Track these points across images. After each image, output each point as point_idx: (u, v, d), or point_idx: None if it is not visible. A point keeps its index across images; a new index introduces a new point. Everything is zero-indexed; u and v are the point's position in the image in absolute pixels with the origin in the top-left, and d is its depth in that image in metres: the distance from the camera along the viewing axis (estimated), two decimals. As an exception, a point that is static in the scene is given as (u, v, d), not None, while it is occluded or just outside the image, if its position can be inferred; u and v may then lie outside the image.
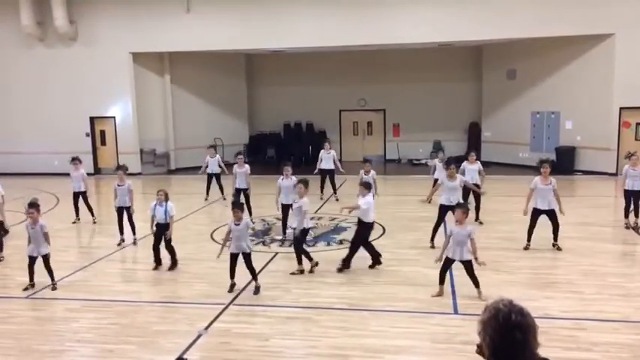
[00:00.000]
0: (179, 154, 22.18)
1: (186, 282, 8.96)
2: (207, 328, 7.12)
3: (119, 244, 11.20)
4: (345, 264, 9.23)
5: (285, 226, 11.49)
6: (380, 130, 24.26)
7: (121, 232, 11.35)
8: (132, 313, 7.72)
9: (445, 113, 23.04)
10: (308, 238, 11.36)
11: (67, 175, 13.33)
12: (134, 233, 11.34)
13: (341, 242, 11.21)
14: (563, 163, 18.87)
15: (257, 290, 8.32)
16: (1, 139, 21.47)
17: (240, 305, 7.90)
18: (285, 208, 11.30)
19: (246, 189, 13.22)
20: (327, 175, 15.24)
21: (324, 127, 24.06)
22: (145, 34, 19.99)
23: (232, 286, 8.37)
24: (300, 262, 9.21)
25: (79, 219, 13.30)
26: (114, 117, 21.10)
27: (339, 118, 24.33)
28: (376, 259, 9.36)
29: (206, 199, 15.44)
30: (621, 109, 18.01)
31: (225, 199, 15.34)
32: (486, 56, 22.10)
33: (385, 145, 24.20)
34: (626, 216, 11.66)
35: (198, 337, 6.87)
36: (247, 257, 8.31)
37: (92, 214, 13.35)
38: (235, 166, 13.65)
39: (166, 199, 9.64)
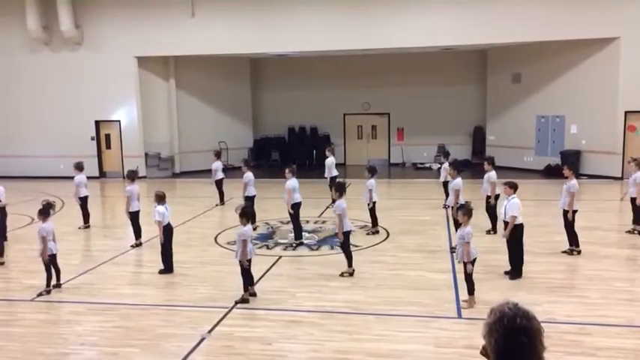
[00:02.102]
0: (184, 157, 22.23)
1: (190, 285, 8.97)
2: (210, 331, 7.12)
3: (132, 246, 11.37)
4: (516, 273, 8.91)
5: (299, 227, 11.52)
6: (384, 134, 24.26)
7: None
8: (136, 317, 7.73)
9: (449, 117, 23.02)
10: (311, 242, 11.43)
11: (72, 178, 13.36)
12: (135, 237, 11.43)
13: (345, 246, 11.18)
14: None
15: (238, 300, 8.08)
16: (7, 143, 21.58)
17: (244, 309, 7.90)
18: (293, 209, 11.37)
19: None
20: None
21: (328, 131, 24.08)
22: (150, 39, 20.08)
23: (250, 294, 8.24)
24: (350, 263, 9.23)
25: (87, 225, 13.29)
26: (119, 121, 21.18)
27: (344, 121, 24.34)
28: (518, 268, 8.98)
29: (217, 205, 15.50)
30: (626, 112, 17.95)
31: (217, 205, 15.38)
32: (491, 60, 22.09)
33: (389, 149, 24.20)
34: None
35: (202, 340, 6.87)
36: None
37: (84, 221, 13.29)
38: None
39: (158, 201, 9.52)
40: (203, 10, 19.78)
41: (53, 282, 8.77)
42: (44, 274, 8.69)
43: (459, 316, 7.49)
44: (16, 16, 20.46)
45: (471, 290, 7.74)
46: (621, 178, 17.87)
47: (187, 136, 22.20)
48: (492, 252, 9.96)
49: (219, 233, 12.30)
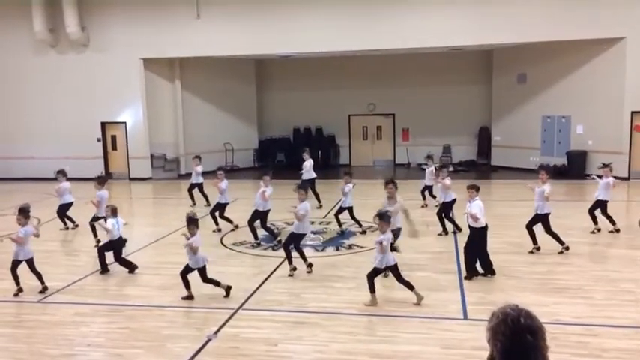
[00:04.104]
0: (189, 159, 22.21)
1: (195, 286, 8.96)
2: (216, 332, 7.13)
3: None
4: (470, 272, 8.92)
5: (254, 232, 11.56)
6: (389, 135, 24.24)
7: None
8: (141, 318, 7.75)
9: (455, 118, 22.98)
10: (316, 243, 11.42)
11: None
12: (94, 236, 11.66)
13: (350, 247, 11.19)
14: (574, 167, 18.76)
15: (184, 297, 8.36)
16: (13, 145, 21.69)
17: (249, 310, 7.91)
18: (258, 214, 11.47)
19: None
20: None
21: (333, 132, 24.09)
22: (156, 40, 20.14)
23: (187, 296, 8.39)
24: (290, 261, 9.43)
25: (67, 227, 13.36)
26: (125, 122, 21.25)
27: (349, 122, 24.34)
28: (475, 271, 8.96)
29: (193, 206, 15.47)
30: (633, 112, 17.88)
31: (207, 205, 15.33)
32: (496, 60, 22.03)
33: (395, 150, 24.18)
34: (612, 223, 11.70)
35: (207, 341, 6.88)
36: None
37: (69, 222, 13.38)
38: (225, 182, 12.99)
39: (111, 214, 9.71)
40: (208, 12, 19.83)
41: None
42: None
43: (465, 317, 7.48)
44: (23, 19, 20.57)
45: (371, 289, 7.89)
46: (627, 179, 17.80)
47: (193, 137, 22.24)
48: (493, 253, 9.91)
49: (225, 234, 12.31)
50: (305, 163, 15.36)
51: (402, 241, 9.56)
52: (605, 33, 17.62)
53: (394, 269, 7.86)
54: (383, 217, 7.88)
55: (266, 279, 9.18)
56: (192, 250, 8.17)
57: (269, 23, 19.39)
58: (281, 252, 10.86)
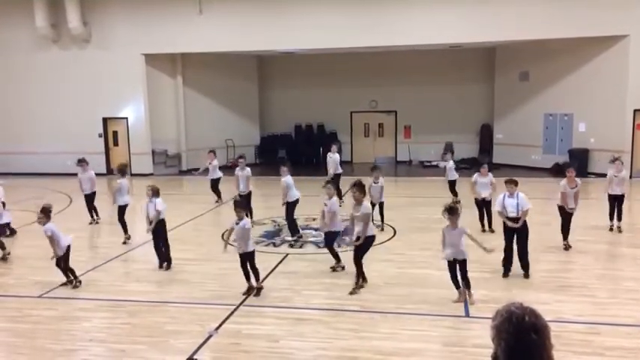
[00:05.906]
0: (191, 155, 22.26)
1: (197, 282, 8.97)
2: (217, 328, 7.12)
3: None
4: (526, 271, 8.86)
5: (294, 226, 11.51)
6: (391, 132, 24.22)
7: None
8: (143, 313, 7.75)
9: (457, 115, 22.96)
10: (318, 239, 11.41)
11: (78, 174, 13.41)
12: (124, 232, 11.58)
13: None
14: (577, 165, 18.68)
15: (258, 292, 8.26)
16: (15, 140, 21.68)
17: (251, 306, 7.90)
18: (288, 205, 11.46)
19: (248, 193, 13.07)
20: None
21: (335, 129, 24.07)
22: (158, 36, 20.11)
23: (248, 288, 8.31)
24: (337, 259, 9.34)
25: (94, 220, 13.32)
26: (126, 118, 21.24)
27: (350, 119, 24.32)
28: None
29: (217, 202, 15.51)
30: (635, 111, 17.84)
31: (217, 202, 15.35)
32: (499, 58, 21.99)
33: (396, 147, 24.16)
34: (611, 219, 11.70)
35: (209, 337, 6.87)
36: (248, 257, 8.25)
37: (96, 215, 13.34)
38: (237, 168, 13.41)
39: (155, 195, 9.64)
40: (210, 8, 19.79)
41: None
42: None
43: (467, 314, 7.46)
44: (25, 14, 20.54)
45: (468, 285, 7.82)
46: (630, 177, 17.74)
47: (194, 133, 22.24)
48: (497, 250, 9.89)
49: (226, 230, 12.27)
50: (334, 157, 15.00)
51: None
52: (608, 31, 17.57)
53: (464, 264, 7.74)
54: (453, 211, 7.60)
55: (267, 275, 9.16)
56: (243, 232, 8.06)
57: (271, 19, 19.35)
58: (282, 249, 10.89)
